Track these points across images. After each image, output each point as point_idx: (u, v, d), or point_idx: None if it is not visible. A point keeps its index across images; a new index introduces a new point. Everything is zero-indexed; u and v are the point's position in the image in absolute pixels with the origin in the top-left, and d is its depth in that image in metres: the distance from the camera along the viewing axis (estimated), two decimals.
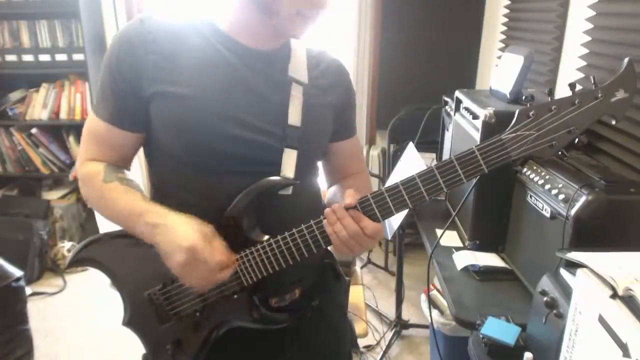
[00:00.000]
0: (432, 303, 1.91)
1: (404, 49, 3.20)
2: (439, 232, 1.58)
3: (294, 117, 0.94)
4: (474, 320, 1.13)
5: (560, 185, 1.11)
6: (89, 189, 0.96)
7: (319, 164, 1.11)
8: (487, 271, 1.37)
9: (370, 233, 0.84)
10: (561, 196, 1.08)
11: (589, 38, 1.77)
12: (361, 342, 2.37)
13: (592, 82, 0.81)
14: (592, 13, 1.74)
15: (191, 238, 0.83)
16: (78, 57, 3.03)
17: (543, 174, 1.19)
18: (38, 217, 3.08)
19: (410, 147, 2.06)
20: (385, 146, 3.10)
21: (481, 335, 1.03)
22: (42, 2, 2.97)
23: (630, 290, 0.70)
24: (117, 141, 0.95)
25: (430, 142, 2.42)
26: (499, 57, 2.32)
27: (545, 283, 0.95)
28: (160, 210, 0.88)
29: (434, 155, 2.32)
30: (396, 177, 2.09)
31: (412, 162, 1.99)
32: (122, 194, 0.91)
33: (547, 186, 1.14)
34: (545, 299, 0.91)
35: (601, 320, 0.72)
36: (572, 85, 0.81)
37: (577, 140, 0.80)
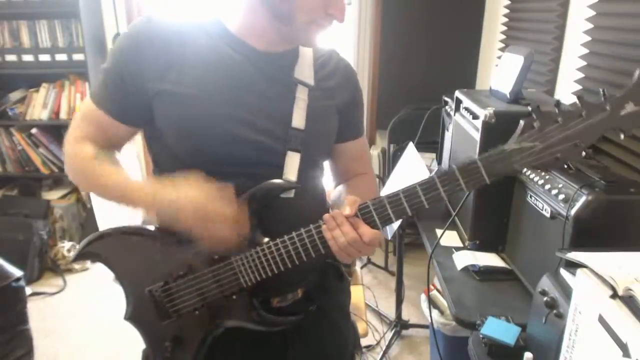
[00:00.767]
0: (432, 303, 1.91)
1: (404, 49, 3.21)
2: (439, 232, 1.58)
3: (298, 119, 0.94)
4: (474, 320, 1.13)
5: (560, 185, 1.11)
6: (75, 163, 0.97)
7: (325, 163, 1.11)
8: (487, 271, 1.37)
9: (369, 240, 0.84)
10: (561, 196, 1.08)
11: (589, 38, 1.77)
12: (361, 342, 2.37)
13: (601, 94, 0.77)
14: (592, 13, 1.74)
15: (198, 188, 0.83)
16: (78, 57, 3.03)
17: (543, 174, 1.19)
18: (38, 217, 3.08)
19: (410, 147, 2.06)
20: (385, 146, 3.10)
21: (481, 335, 1.03)
22: (42, 2, 2.97)
23: (630, 290, 0.70)
24: (111, 130, 0.96)
25: (430, 142, 2.42)
26: (499, 57, 2.32)
27: (545, 283, 0.95)
28: (157, 180, 0.89)
29: (434, 155, 2.32)
30: (396, 177, 2.10)
31: (412, 162, 1.99)
32: (113, 168, 0.94)
33: (547, 186, 1.14)
34: (545, 299, 0.91)
35: (601, 320, 0.72)
36: (579, 97, 0.78)
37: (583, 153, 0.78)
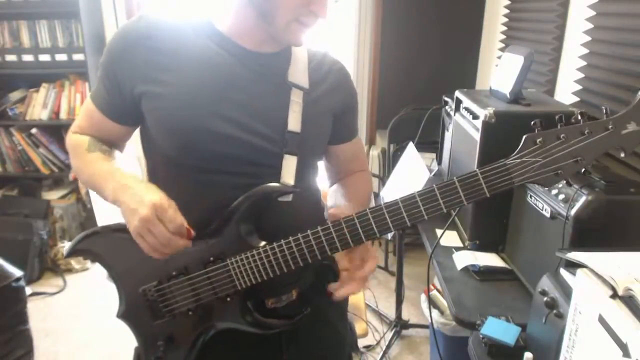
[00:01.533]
0: (432, 303, 1.91)
1: (404, 49, 3.21)
2: (439, 232, 1.58)
3: (294, 123, 0.94)
4: (474, 320, 1.13)
5: (560, 185, 1.10)
6: (74, 156, 1.00)
7: (319, 163, 1.11)
8: (487, 271, 1.37)
9: (368, 274, 0.94)
10: (561, 196, 1.08)
11: (589, 38, 1.77)
12: (361, 342, 2.37)
13: (605, 112, 0.78)
14: (592, 13, 1.75)
15: (158, 196, 0.83)
16: (78, 57, 3.03)
17: None
18: (38, 217, 3.08)
19: (410, 147, 2.06)
20: (385, 146, 3.10)
21: (481, 335, 1.03)
22: (42, 2, 2.97)
23: (630, 290, 0.70)
24: (105, 127, 0.98)
25: (430, 142, 2.42)
26: (499, 57, 2.32)
27: (545, 283, 0.95)
28: (131, 174, 0.90)
29: (434, 155, 2.32)
30: (396, 177, 2.10)
31: (412, 162, 1.99)
32: (100, 160, 0.95)
33: None
34: (545, 299, 0.91)
35: (601, 320, 0.72)
36: (583, 114, 0.78)
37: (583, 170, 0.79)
